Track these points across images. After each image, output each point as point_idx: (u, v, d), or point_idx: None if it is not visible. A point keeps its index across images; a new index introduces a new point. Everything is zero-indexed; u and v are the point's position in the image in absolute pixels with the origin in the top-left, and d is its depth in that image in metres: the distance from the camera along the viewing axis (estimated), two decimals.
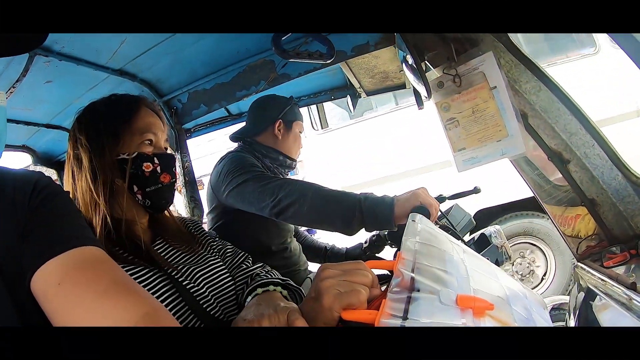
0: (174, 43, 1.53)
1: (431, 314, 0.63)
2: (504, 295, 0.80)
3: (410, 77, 1.58)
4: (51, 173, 2.18)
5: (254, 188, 1.54)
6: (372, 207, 1.33)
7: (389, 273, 0.83)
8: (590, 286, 1.27)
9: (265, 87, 1.78)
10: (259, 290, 1.04)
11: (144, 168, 1.09)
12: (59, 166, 2.19)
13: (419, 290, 0.66)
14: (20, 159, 2.28)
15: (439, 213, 1.76)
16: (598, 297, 1.20)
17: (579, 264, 1.44)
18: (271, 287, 1.04)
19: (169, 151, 1.19)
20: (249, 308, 0.93)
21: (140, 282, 0.96)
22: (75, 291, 0.62)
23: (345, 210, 1.36)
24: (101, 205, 1.03)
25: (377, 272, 0.83)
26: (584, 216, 1.51)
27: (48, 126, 1.85)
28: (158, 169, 1.11)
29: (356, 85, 2.23)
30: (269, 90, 1.89)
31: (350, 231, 1.42)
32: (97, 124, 1.10)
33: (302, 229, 2.28)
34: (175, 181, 1.16)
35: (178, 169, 1.16)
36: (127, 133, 1.10)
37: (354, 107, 2.42)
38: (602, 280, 1.21)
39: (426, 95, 1.45)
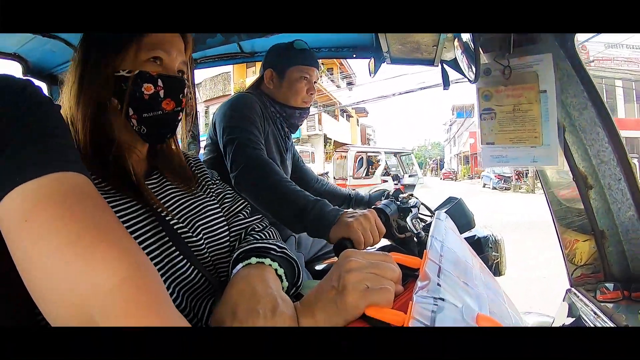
0: None
1: None
2: (511, 323, 0.78)
3: (459, 54, 1.49)
4: (42, 85, 1.98)
5: (233, 151, 1.53)
6: (315, 221, 1.30)
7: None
8: (582, 315, 1.27)
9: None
10: (254, 260, 0.89)
11: (143, 89, 0.93)
12: (51, 79, 1.98)
13: (443, 300, 0.61)
14: (10, 68, 2.03)
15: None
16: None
17: (573, 289, 1.44)
18: (267, 261, 0.90)
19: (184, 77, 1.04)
20: (240, 296, 0.78)
21: (122, 217, 0.84)
22: (41, 232, 0.49)
23: (293, 211, 1.34)
24: (79, 126, 0.89)
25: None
26: (581, 242, 1.50)
27: (44, 34, 1.64)
28: (161, 92, 0.95)
29: (384, 49, 2.10)
30: (292, 35, 1.83)
31: (294, 231, 1.45)
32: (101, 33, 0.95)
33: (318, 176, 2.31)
34: (181, 110, 1.00)
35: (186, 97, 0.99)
36: (133, 46, 0.93)
37: (376, 71, 2.31)
38: (595, 314, 1.21)
39: (472, 79, 1.38)
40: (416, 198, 1.74)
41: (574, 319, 1.31)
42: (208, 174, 1.18)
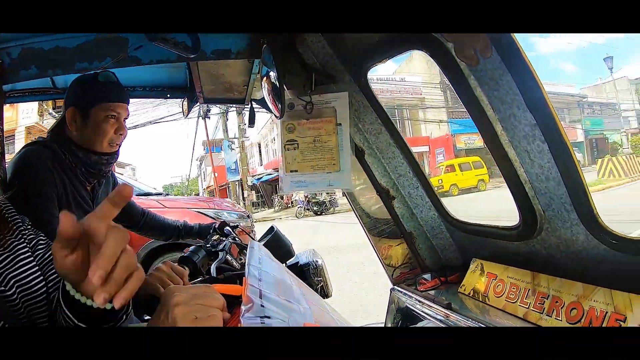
0: None
1: None
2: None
3: (266, 93, 1.61)
4: None
5: None
6: None
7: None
8: (409, 306, 1.47)
9: (109, 66, 1.53)
10: None
11: None
12: None
13: (269, 317, 0.70)
14: None
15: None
16: (416, 316, 1.40)
17: (395, 287, 1.65)
18: None
19: None
20: None
21: None
22: None
23: None
24: None
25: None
26: (394, 247, 1.74)
27: None
28: None
29: (197, 89, 2.15)
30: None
31: None
32: None
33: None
34: None
35: None
36: None
37: (189, 111, 2.33)
38: (420, 301, 1.42)
39: (278, 114, 1.50)
40: (233, 238, 1.82)
41: (402, 310, 1.51)
42: (19, 219, 1.05)
